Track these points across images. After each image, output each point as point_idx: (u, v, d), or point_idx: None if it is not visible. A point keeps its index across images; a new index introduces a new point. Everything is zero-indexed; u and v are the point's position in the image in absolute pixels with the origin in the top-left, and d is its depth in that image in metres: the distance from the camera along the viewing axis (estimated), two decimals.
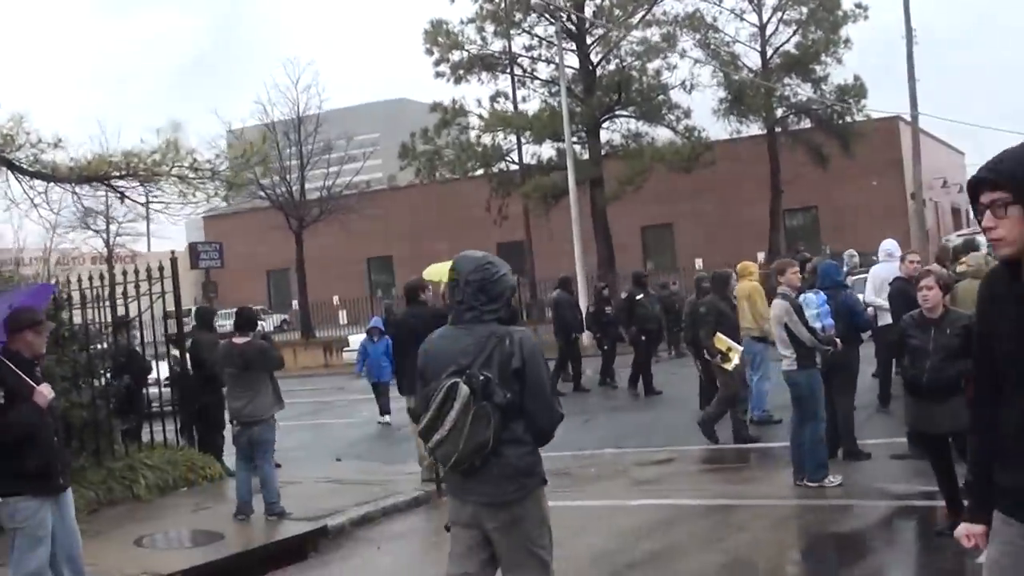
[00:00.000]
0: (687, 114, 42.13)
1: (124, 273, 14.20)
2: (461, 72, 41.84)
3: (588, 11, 41.43)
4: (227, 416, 15.05)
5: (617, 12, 40.81)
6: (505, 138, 43.04)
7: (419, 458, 13.71)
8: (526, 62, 43.59)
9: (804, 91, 43.26)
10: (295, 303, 50.51)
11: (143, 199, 17.19)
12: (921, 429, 9.19)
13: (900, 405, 14.90)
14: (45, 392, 7.57)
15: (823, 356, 11.61)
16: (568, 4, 40.19)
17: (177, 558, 10.53)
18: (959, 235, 33.41)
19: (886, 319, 14.71)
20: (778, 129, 44.70)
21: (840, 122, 43.59)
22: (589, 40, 41.90)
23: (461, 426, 5.41)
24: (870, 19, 42.59)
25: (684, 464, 13.96)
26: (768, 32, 43.78)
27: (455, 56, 41.83)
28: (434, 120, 43.55)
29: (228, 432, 15.21)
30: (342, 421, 22.27)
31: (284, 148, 42.27)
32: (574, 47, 41.46)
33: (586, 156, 41.34)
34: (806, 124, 45.25)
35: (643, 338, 20.70)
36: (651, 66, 41.67)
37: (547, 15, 41.09)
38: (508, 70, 43.06)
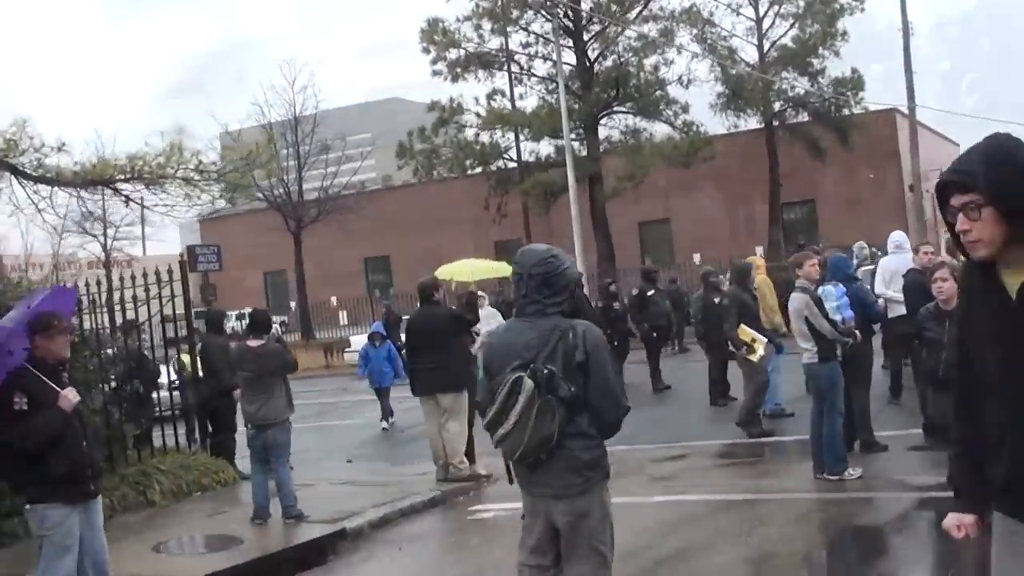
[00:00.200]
0: (685, 109, 42.12)
1: (132, 277, 14.10)
2: (458, 70, 41.79)
3: (585, 7, 41.37)
4: (238, 420, 15.14)
5: (614, 8, 40.68)
6: (503, 136, 43.01)
7: (434, 458, 13.66)
8: (523, 59, 43.59)
9: (801, 84, 43.17)
10: (293, 304, 50.44)
11: (147, 202, 17.09)
12: (942, 422, 9.13)
13: (912, 397, 15.00)
14: (70, 397, 7.48)
15: (843, 348, 11.55)
16: (565, 0, 40.10)
17: (197, 564, 10.44)
18: None
19: (896, 311, 14.64)
20: (775, 123, 44.63)
21: (837, 115, 43.52)
22: (586, 36, 41.81)
23: (526, 420, 5.42)
24: (866, 11, 42.61)
25: (699, 459, 13.89)
26: (765, 26, 43.74)
27: (452, 54, 41.79)
28: (431, 119, 43.47)
29: (240, 436, 15.27)
30: (348, 423, 22.19)
31: (281, 149, 42.17)
32: (571, 44, 41.37)
33: (584, 153, 41.25)
34: (803, 118, 45.15)
35: (654, 334, 20.65)
36: (648, 61, 41.70)
37: (544, 12, 41.00)
38: (505, 68, 42.97)
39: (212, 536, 11.43)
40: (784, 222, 47.55)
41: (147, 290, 14.00)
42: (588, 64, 41.88)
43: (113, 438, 13.11)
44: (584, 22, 41.53)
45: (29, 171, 16.03)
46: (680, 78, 41.83)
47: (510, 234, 45.99)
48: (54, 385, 7.46)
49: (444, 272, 16.51)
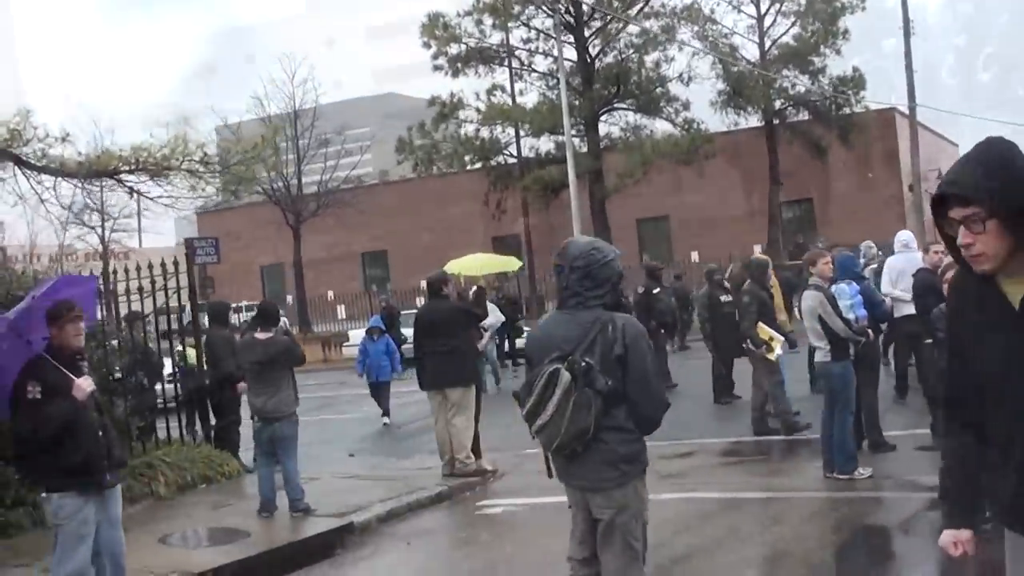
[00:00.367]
0: (686, 106, 42.14)
1: (138, 268, 14.01)
2: (459, 65, 41.75)
3: (586, 3, 41.30)
4: (242, 412, 15.06)
5: (616, 3, 40.63)
6: (503, 131, 42.96)
7: (440, 452, 13.60)
8: (523, 55, 43.58)
9: (802, 83, 43.12)
10: (289, 298, 50.32)
11: (151, 194, 17.00)
12: None
13: (917, 397, 14.95)
14: (83, 385, 7.40)
15: (856, 347, 11.50)
16: None
17: (205, 556, 10.37)
18: None
19: (902, 310, 14.58)
20: (776, 121, 44.58)
21: (838, 114, 43.48)
22: (587, 32, 41.77)
23: (563, 412, 5.42)
24: (867, 9, 42.60)
25: (707, 457, 13.83)
26: (766, 24, 43.69)
27: (453, 49, 41.74)
28: (429, 114, 43.47)
29: (244, 428, 15.19)
30: (347, 417, 22.13)
31: (280, 143, 42.09)
32: (572, 40, 41.32)
33: (584, 149, 41.20)
34: (804, 116, 45.09)
35: (662, 331, 20.54)
36: (649, 58, 41.68)
37: (545, 7, 40.95)
38: (506, 63, 42.92)
39: (219, 529, 11.34)
40: (782, 221, 47.55)
41: (152, 281, 13.91)
42: (589, 60, 41.90)
43: (118, 430, 13.00)
44: (585, 18, 41.47)
45: (33, 161, 15.95)
46: (681, 75, 41.94)
47: (508, 230, 45.94)
48: (70, 374, 7.38)
49: (453, 266, 16.40)
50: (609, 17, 41.14)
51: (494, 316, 20.45)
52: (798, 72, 43.23)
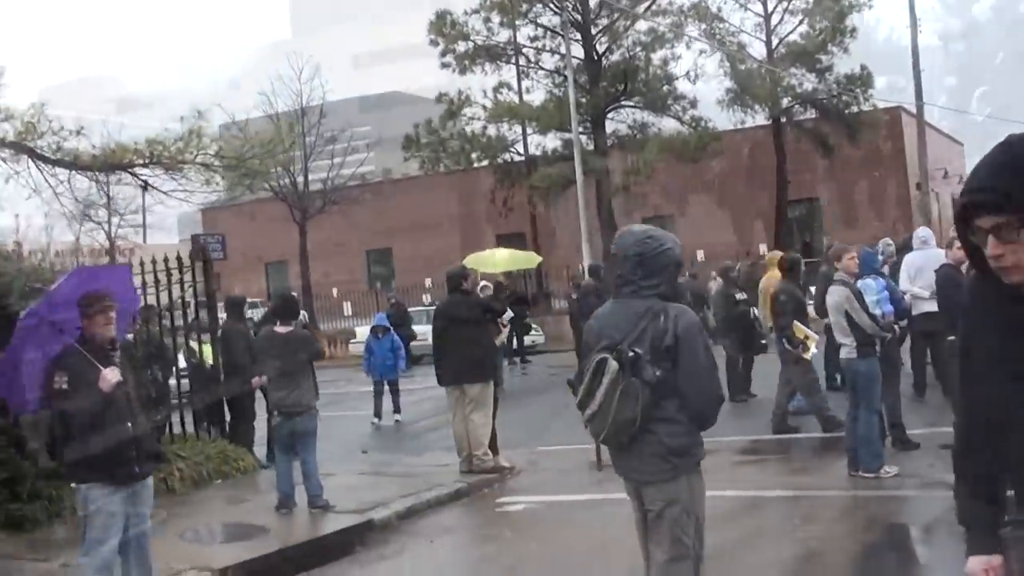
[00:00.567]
0: (693, 104, 42.05)
1: (153, 261, 13.90)
2: (466, 63, 41.65)
3: (593, 1, 41.23)
4: (257, 407, 14.96)
5: (624, 1, 40.53)
6: (510, 129, 42.88)
7: (457, 449, 13.49)
8: (530, 53, 43.46)
9: (809, 81, 42.99)
10: (294, 295, 50.15)
11: (165, 188, 16.89)
12: None
13: (935, 394, 14.85)
14: (108, 377, 7.29)
15: (882, 343, 11.37)
16: None
17: (225, 552, 10.25)
18: None
19: (920, 307, 14.48)
20: (783, 120, 44.45)
21: (845, 112, 43.30)
22: (594, 30, 41.68)
23: (609, 402, 5.34)
24: (874, 7, 42.53)
25: (727, 455, 13.63)
26: (773, 22, 43.56)
27: (461, 47, 41.64)
28: (434, 112, 43.42)
29: (258, 423, 15.10)
30: (356, 413, 21.95)
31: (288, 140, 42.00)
32: (579, 37, 41.21)
33: (591, 147, 41.11)
34: (811, 114, 44.93)
35: None
36: (656, 56, 41.53)
37: (552, 4, 40.87)
38: (513, 60, 42.85)
39: (238, 525, 11.25)
40: (789, 219, 47.41)
41: (168, 275, 13.79)
42: (596, 58, 41.79)
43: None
44: (592, 16, 41.39)
45: (48, 154, 15.87)
46: (688, 73, 41.84)
47: (514, 228, 45.84)
48: (99, 365, 7.29)
49: (472, 261, 16.32)
50: (616, 15, 41.03)
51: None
52: (805, 70, 43.05)
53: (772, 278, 15.76)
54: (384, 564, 10.12)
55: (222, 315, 15.47)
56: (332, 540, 10.62)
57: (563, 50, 39.80)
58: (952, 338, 11.47)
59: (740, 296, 17.11)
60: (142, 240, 52.89)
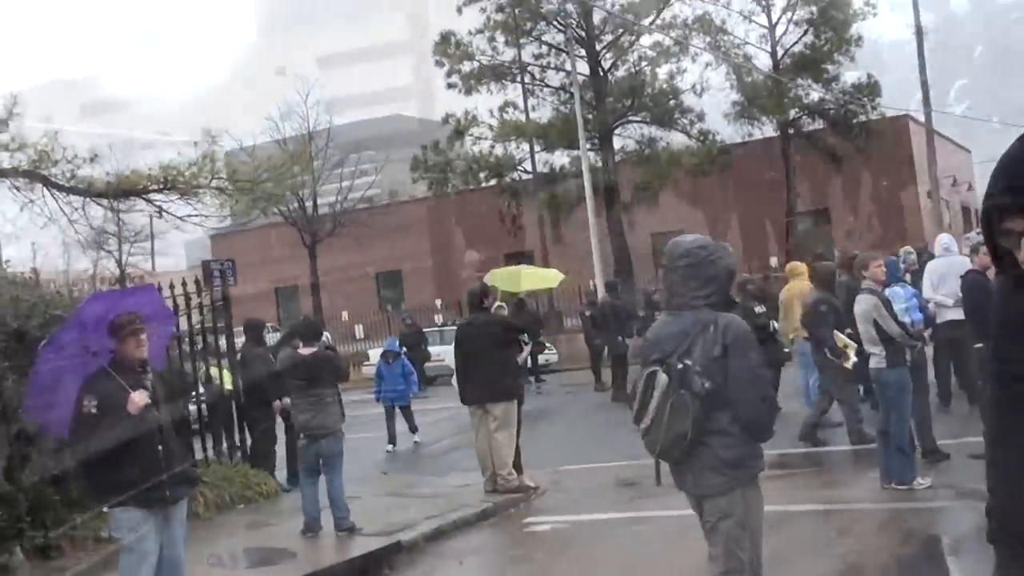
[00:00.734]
0: (700, 117, 41.96)
1: (171, 286, 13.80)
2: (472, 82, 41.64)
3: (597, 17, 41.25)
4: (277, 430, 14.85)
5: (629, 16, 40.53)
6: (517, 147, 42.83)
7: (481, 469, 13.37)
8: (535, 70, 43.43)
9: (816, 91, 42.85)
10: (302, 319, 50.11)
11: (179, 213, 16.81)
12: None
13: (961, 403, 14.71)
14: (136, 400, 7.19)
15: (912, 352, 11.22)
16: (577, 10, 40.03)
17: None
18: (978, 233, 32.95)
19: (944, 315, 14.36)
20: (790, 131, 44.29)
21: (852, 122, 43.13)
22: (599, 47, 41.67)
23: (661, 415, 5.31)
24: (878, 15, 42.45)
25: None
26: (778, 33, 43.43)
27: (466, 67, 41.64)
28: (437, 132, 43.47)
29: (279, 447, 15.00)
30: (372, 435, 21.82)
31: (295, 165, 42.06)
32: (583, 54, 41.20)
33: (599, 163, 41.06)
34: (818, 125, 44.76)
35: None
36: (662, 71, 41.54)
37: (557, 22, 40.87)
38: (518, 79, 42.85)
39: (265, 549, 11.13)
40: (798, 231, 47.25)
41: (187, 299, 13.70)
42: (601, 74, 41.76)
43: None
44: (597, 32, 41.40)
45: (62, 182, 15.82)
46: (694, 86, 41.70)
47: (523, 246, 45.77)
48: (129, 388, 7.19)
49: (494, 278, 16.18)
50: (621, 30, 41.02)
51: None
52: (811, 80, 42.91)
53: (795, 289, 15.61)
54: None
55: (238, 339, 15.39)
56: (360, 563, 10.52)
57: (568, 67, 39.76)
58: (979, 345, 11.37)
59: (759, 309, 16.99)
60: (151, 267, 52.94)
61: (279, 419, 14.65)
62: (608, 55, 42.12)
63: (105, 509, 7.57)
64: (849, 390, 13.92)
